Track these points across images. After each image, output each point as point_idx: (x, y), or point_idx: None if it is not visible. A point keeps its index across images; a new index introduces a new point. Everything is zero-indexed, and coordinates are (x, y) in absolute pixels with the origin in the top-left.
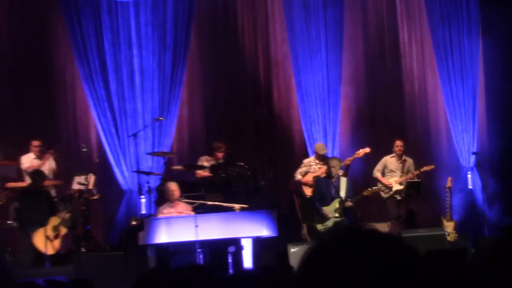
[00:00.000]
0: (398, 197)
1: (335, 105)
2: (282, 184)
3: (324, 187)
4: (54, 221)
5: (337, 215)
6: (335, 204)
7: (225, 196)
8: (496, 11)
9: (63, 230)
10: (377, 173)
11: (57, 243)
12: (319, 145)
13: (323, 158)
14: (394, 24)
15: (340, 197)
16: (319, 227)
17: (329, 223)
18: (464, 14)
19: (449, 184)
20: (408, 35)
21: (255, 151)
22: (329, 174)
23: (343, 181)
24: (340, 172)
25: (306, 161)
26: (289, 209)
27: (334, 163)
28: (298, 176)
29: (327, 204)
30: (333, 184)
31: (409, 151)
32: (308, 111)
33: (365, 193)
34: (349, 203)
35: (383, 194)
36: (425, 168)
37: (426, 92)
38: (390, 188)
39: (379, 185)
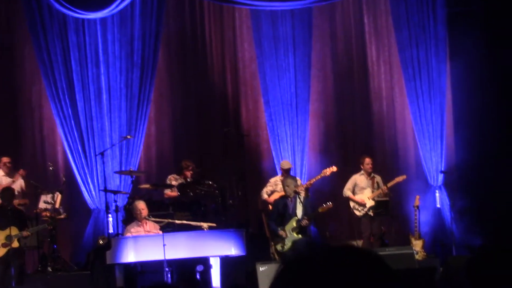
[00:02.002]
0: (371, 214)
1: (303, 123)
2: (250, 203)
3: (281, 207)
4: (12, 231)
5: (294, 234)
6: (292, 223)
7: (194, 215)
8: (463, 31)
9: (15, 244)
10: (347, 192)
11: (1, 251)
12: (283, 162)
13: (291, 176)
14: (362, 42)
15: (296, 216)
16: (278, 247)
17: (287, 242)
18: (432, 34)
19: (417, 202)
20: (377, 54)
21: (224, 170)
22: (286, 193)
23: (299, 200)
24: (302, 192)
25: (272, 180)
26: (258, 228)
27: (288, 181)
28: (264, 196)
29: (285, 223)
30: (289, 203)
31: (377, 170)
32: (277, 129)
33: (320, 209)
34: (305, 221)
35: (357, 213)
36: (397, 180)
37: (394, 111)
38: (363, 205)
39: (352, 204)
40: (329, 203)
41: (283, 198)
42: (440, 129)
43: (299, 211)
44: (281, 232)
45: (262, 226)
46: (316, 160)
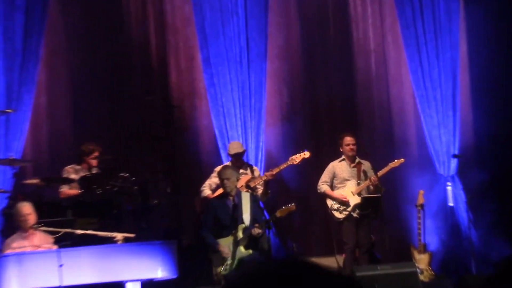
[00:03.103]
0: (356, 215)
1: (258, 88)
2: (185, 203)
3: (220, 211)
4: None
5: (242, 249)
6: (238, 233)
7: (103, 222)
8: None
9: None
10: (323, 186)
11: None
12: (231, 144)
13: (242, 163)
14: None
15: (243, 223)
16: (219, 269)
17: (230, 261)
18: None
19: (420, 200)
20: None
21: (146, 157)
22: (225, 190)
23: (246, 199)
24: (259, 188)
25: (218, 168)
26: (195, 239)
27: (227, 172)
28: (206, 191)
29: (226, 234)
30: (231, 204)
31: (364, 153)
32: (221, 98)
33: (278, 213)
34: (256, 230)
35: (337, 214)
36: (392, 165)
37: (386, 70)
38: (345, 204)
39: (330, 202)
40: (291, 205)
41: (222, 197)
42: (452, 95)
43: (247, 215)
44: (221, 248)
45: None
46: (279, 141)
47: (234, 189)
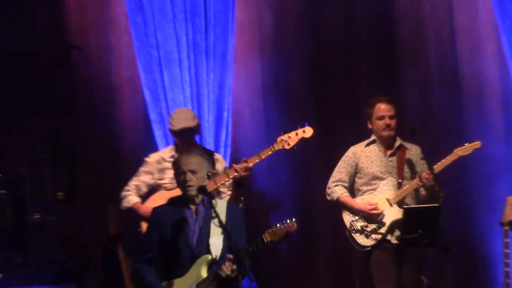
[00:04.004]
0: (395, 241)
1: (219, 20)
2: (89, 220)
3: (169, 229)
4: None
5: None
6: (199, 269)
7: None
8: None
9: None
10: (337, 190)
11: None
12: (176, 114)
13: (195, 146)
14: None
15: (210, 254)
16: None
17: None
18: None
19: (510, 214)
20: None
21: (20, 139)
22: (185, 191)
23: (222, 208)
24: (225, 192)
25: (152, 158)
26: (109, 276)
27: (193, 160)
28: (131, 199)
29: (180, 271)
30: (190, 217)
31: (410, 138)
32: (154, 33)
33: (267, 236)
34: (227, 268)
35: (361, 240)
36: (461, 152)
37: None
38: (378, 221)
39: (349, 218)
40: (290, 222)
41: (175, 204)
42: None
43: (217, 239)
44: None
45: (118, 272)
46: (259, 108)
47: (195, 191)
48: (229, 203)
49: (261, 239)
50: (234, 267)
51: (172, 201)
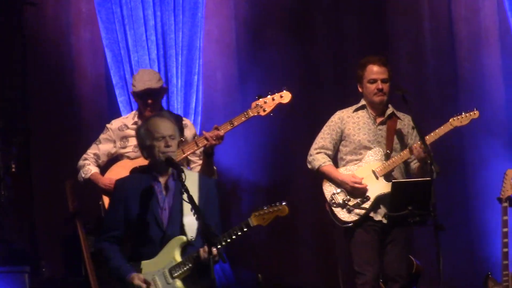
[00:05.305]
0: (383, 220)
1: None
2: (46, 195)
3: (137, 204)
4: None
5: (178, 284)
6: (172, 251)
7: None
8: None
9: None
10: (318, 158)
11: None
12: (139, 74)
13: (161, 111)
14: None
15: (185, 234)
16: None
17: None
18: None
19: (509, 190)
20: None
21: None
22: (167, 158)
23: (194, 181)
24: (195, 163)
25: (114, 124)
26: (67, 256)
27: (163, 125)
28: (89, 169)
29: (150, 252)
30: (158, 190)
31: (402, 106)
32: None
33: (253, 220)
34: (205, 251)
35: (343, 215)
36: (457, 122)
37: None
38: (362, 195)
39: (331, 190)
40: (280, 205)
41: (141, 175)
42: None
43: (191, 218)
44: (136, 281)
45: (78, 258)
46: (231, 68)
47: (163, 158)
48: (201, 175)
49: (246, 223)
50: (215, 251)
51: (138, 171)
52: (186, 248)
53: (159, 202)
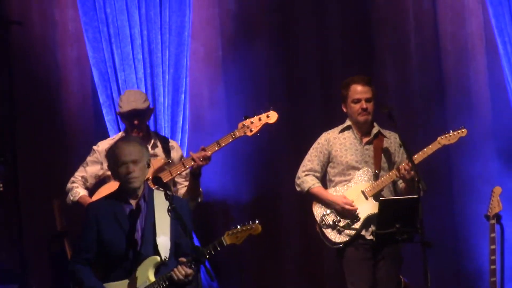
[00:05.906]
0: (371, 237)
1: None
2: (32, 214)
3: (109, 227)
4: None
5: None
6: (147, 272)
7: None
8: None
9: None
10: (307, 180)
11: None
12: (126, 95)
13: (146, 134)
14: None
15: (159, 255)
16: None
17: None
18: None
19: (496, 207)
20: None
21: None
22: (128, 184)
23: (163, 207)
24: (180, 185)
25: (102, 144)
26: (55, 275)
27: (132, 149)
28: (78, 191)
29: (121, 274)
30: (134, 215)
31: (388, 124)
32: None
33: (227, 239)
34: (182, 271)
35: (333, 236)
36: (444, 140)
37: None
38: (352, 215)
39: (320, 211)
40: (253, 224)
41: (113, 199)
42: None
43: (164, 238)
44: None
45: (66, 276)
46: (219, 90)
47: (142, 185)
48: (173, 197)
49: (219, 242)
50: (189, 271)
51: (109, 195)
52: (160, 268)
53: (131, 223)
